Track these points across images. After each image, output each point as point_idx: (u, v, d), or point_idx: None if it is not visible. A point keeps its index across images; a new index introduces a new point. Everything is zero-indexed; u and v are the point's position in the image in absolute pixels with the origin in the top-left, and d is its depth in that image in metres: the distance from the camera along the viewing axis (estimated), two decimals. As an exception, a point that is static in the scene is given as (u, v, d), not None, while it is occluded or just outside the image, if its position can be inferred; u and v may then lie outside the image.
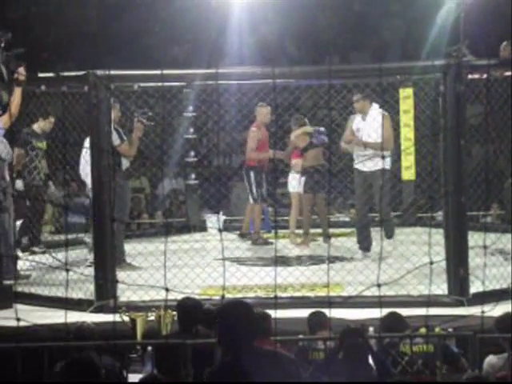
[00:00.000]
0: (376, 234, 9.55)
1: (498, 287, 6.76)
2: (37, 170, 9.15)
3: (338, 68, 8.71)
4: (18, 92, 7.32)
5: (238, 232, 10.10)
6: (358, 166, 8.54)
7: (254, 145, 9.60)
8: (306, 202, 9.63)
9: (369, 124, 8.42)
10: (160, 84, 7.19)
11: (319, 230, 9.89)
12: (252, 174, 9.63)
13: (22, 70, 7.18)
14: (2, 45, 7.08)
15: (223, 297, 5.28)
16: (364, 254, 8.49)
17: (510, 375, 4.66)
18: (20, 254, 7.87)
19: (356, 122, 8.59)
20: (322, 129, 9.64)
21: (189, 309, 5.38)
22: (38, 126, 9.18)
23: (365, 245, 8.54)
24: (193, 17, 13.45)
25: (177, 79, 7.50)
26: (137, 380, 4.54)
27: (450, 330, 5.77)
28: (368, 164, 8.36)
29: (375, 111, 8.44)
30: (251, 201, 9.77)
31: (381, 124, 8.09)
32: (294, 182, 9.74)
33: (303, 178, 9.54)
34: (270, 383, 4.44)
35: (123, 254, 8.35)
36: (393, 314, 5.28)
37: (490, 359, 4.97)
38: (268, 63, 9.96)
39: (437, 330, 5.64)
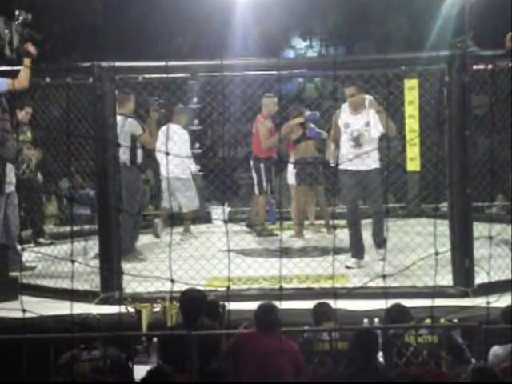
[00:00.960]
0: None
1: (503, 278, 6.76)
2: (24, 163, 9.09)
3: (342, 59, 8.68)
4: (26, 62, 7.21)
5: (244, 223, 10.12)
6: (349, 165, 7.67)
7: (268, 134, 9.58)
8: (299, 194, 9.65)
9: (370, 118, 7.81)
10: (165, 75, 7.18)
11: (323, 222, 9.89)
12: (262, 166, 9.61)
13: (30, 45, 7.16)
14: (21, 18, 7.09)
15: (228, 288, 5.30)
16: (358, 262, 7.80)
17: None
18: (19, 246, 7.89)
19: (344, 116, 7.88)
20: (312, 125, 9.61)
21: (193, 300, 5.38)
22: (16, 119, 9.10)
23: (360, 253, 7.89)
24: (197, 8, 13.44)
25: (182, 71, 7.49)
26: (143, 371, 4.56)
27: (455, 320, 5.78)
28: (366, 161, 7.70)
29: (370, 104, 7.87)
30: (257, 192, 9.78)
31: (377, 115, 7.73)
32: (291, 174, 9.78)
33: (294, 170, 9.59)
34: (272, 383, 4.49)
35: (134, 246, 8.41)
36: (397, 306, 5.28)
37: (495, 350, 4.98)
38: (273, 55, 9.96)
39: (442, 320, 5.65)
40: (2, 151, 7.42)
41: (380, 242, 7.89)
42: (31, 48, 7.14)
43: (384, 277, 4.38)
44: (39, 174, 9.55)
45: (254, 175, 9.74)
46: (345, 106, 7.94)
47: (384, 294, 4.79)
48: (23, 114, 9.05)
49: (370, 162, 7.78)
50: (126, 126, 8.25)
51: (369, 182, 7.79)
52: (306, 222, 9.92)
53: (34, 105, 8.87)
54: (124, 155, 8.14)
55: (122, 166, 8.19)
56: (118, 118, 8.26)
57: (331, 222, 9.59)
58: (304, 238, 9.51)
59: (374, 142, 7.79)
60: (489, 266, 6.04)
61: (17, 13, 7.14)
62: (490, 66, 7.44)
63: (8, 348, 4.92)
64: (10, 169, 7.96)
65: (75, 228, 9.20)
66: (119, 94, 8.30)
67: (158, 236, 9.42)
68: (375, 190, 7.80)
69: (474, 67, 7.00)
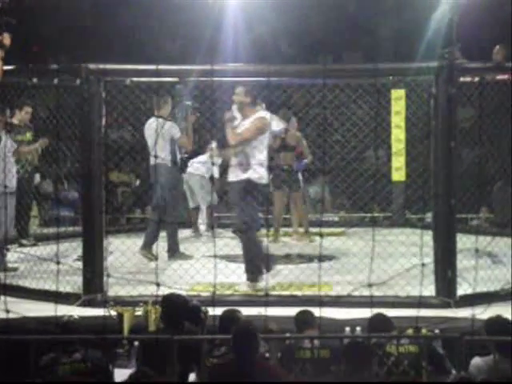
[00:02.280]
0: (365, 233, 9.61)
1: (485, 290, 6.79)
2: (20, 163, 9.03)
3: (331, 67, 8.69)
4: (1, 54, 7.16)
5: (229, 229, 10.14)
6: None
7: None
8: (276, 200, 9.72)
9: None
10: (154, 79, 7.17)
11: (314, 229, 9.86)
12: None
13: (6, 35, 7.12)
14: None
15: (214, 293, 5.28)
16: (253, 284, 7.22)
17: (494, 378, 4.69)
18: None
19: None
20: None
21: (174, 304, 5.37)
22: (15, 119, 9.07)
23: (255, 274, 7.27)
24: (187, 13, 13.44)
25: (171, 75, 7.48)
26: (123, 374, 4.55)
27: (437, 331, 5.79)
28: (234, 172, 7.23)
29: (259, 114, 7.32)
30: None
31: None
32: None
33: (270, 176, 9.65)
34: (266, 383, 4.46)
35: (177, 244, 8.64)
36: (379, 315, 5.29)
37: (476, 361, 4.99)
38: (262, 61, 9.98)
39: (423, 331, 5.66)
40: None
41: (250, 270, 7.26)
42: (6, 39, 7.11)
43: (370, 286, 4.39)
44: (37, 176, 9.46)
45: None
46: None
47: (367, 303, 4.81)
48: (22, 114, 8.99)
49: (237, 173, 7.18)
50: (165, 128, 8.40)
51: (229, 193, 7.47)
52: (290, 229, 9.95)
53: (21, 105, 8.85)
54: (165, 157, 8.33)
55: (163, 167, 8.35)
56: (156, 120, 8.39)
57: (315, 230, 9.61)
58: (280, 242, 9.56)
59: (242, 154, 7.21)
60: (473, 278, 6.07)
61: None
62: (476, 79, 7.47)
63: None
64: (11, 165, 7.95)
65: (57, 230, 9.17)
66: (156, 97, 8.46)
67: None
68: (234, 203, 7.37)
69: (461, 79, 7.03)
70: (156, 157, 8.30)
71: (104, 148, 7.13)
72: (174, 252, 8.56)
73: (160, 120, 8.43)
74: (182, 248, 8.76)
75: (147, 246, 8.44)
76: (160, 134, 8.32)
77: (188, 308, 5.48)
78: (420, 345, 5.08)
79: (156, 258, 7.86)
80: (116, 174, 12.52)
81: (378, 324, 5.22)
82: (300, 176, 9.78)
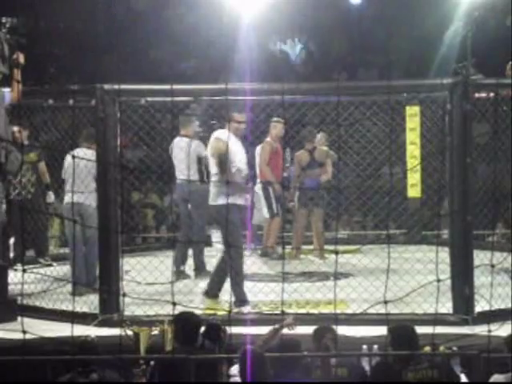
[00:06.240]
0: (381, 250, 9.56)
1: (503, 306, 6.74)
2: (30, 182, 9.01)
3: (346, 85, 8.69)
4: (16, 74, 7.14)
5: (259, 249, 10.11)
6: None
7: (267, 156, 9.60)
8: (299, 218, 9.70)
9: None
10: (169, 99, 7.20)
11: (330, 247, 9.84)
12: (270, 189, 9.64)
13: (20, 54, 7.17)
14: (8, 25, 7.14)
15: (230, 311, 5.27)
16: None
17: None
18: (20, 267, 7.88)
19: None
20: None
21: (188, 323, 5.36)
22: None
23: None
24: (201, 33, 13.50)
25: (186, 94, 7.51)
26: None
27: (455, 348, 5.75)
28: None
29: None
30: (267, 215, 9.76)
31: None
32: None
33: (297, 194, 9.66)
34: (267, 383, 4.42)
35: (203, 263, 8.65)
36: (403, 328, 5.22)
37: (496, 378, 4.94)
38: (276, 80, 10.01)
39: (441, 348, 5.62)
40: (5, 164, 7.42)
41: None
42: (21, 58, 7.16)
43: (386, 302, 4.36)
44: (51, 194, 9.39)
45: (263, 199, 9.73)
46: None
47: (384, 320, 4.78)
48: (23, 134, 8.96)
49: None
50: (192, 147, 8.49)
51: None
52: (311, 247, 9.94)
53: (37, 126, 8.87)
54: (193, 176, 8.42)
55: (190, 186, 8.45)
56: (183, 139, 8.48)
57: (330, 248, 9.59)
58: (300, 260, 9.53)
59: None
60: (490, 295, 6.02)
61: (3, 20, 7.16)
62: (491, 95, 7.45)
63: (5, 369, 4.89)
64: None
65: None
66: (181, 117, 8.53)
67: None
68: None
69: (476, 95, 7.02)
70: (183, 175, 8.40)
71: (120, 168, 7.13)
72: (200, 271, 8.56)
73: (185, 139, 8.49)
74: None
75: (178, 268, 8.49)
76: (187, 153, 8.37)
77: (207, 326, 5.48)
78: (439, 368, 4.99)
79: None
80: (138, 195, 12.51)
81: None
82: (325, 194, 9.77)
